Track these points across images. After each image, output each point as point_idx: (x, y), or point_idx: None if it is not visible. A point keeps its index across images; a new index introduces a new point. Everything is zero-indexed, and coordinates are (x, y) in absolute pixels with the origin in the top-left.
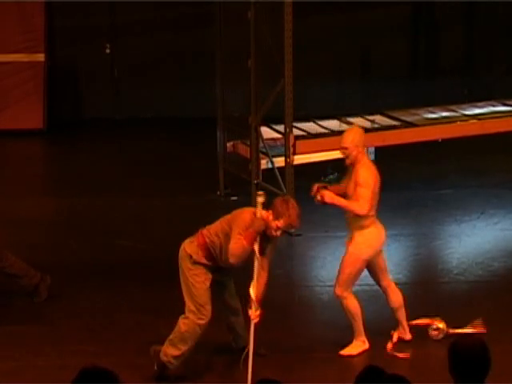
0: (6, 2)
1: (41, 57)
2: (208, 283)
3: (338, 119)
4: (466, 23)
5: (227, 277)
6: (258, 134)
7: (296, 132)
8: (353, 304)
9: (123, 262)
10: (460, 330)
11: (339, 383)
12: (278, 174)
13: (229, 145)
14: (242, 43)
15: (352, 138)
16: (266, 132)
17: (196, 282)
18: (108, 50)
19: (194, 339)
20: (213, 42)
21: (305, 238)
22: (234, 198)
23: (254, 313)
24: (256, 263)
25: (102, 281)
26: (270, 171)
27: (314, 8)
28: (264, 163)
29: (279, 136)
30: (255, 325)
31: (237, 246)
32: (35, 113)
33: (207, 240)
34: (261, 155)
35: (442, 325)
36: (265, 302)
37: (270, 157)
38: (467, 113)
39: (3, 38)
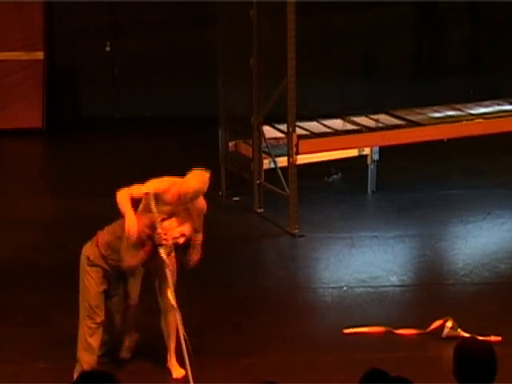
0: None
1: (40, 55)
2: (102, 287)
3: (342, 118)
4: (471, 21)
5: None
6: (261, 134)
7: (299, 131)
8: None
9: None
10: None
11: None
12: (280, 174)
13: (231, 144)
14: (245, 42)
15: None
16: (269, 131)
17: (91, 285)
18: (108, 48)
19: (89, 342)
20: (214, 41)
21: (308, 239)
22: (236, 198)
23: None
24: (166, 269)
25: None
26: (272, 171)
27: (317, 7)
28: (266, 163)
29: (282, 135)
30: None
31: (133, 259)
32: (34, 112)
33: (100, 240)
34: (263, 155)
35: (454, 324)
36: (267, 305)
37: (273, 156)
38: (473, 112)
39: (1, 35)
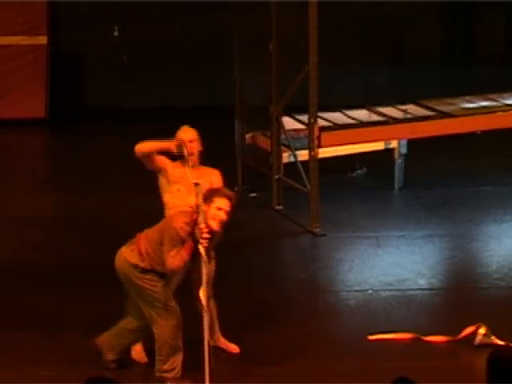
0: None
1: (43, 39)
2: (164, 284)
3: (368, 109)
4: (506, 9)
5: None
6: (280, 125)
7: (321, 123)
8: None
9: None
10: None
11: None
12: (301, 168)
13: (247, 136)
14: (263, 26)
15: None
16: (289, 123)
17: (153, 286)
18: (116, 33)
19: (177, 343)
20: (229, 26)
21: (330, 238)
22: (253, 194)
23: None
24: (203, 265)
25: (106, 285)
26: (292, 165)
27: None
28: (286, 156)
29: (303, 127)
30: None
31: (176, 260)
32: (36, 101)
33: (143, 250)
34: (282, 148)
35: (487, 331)
36: (286, 309)
37: (293, 150)
38: (508, 102)
39: (2, 18)
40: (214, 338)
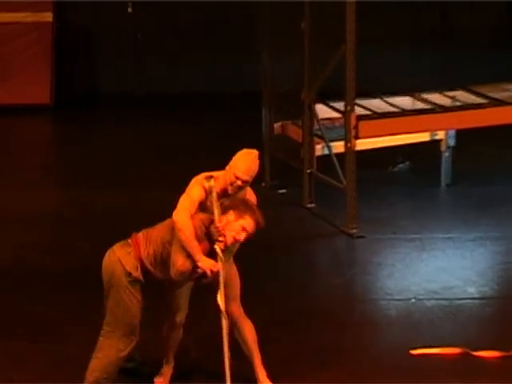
0: None
1: (48, 16)
2: (143, 302)
3: (411, 96)
4: None
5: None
6: (313, 113)
7: (359, 111)
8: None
9: None
10: None
11: None
12: (336, 161)
13: (276, 126)
14: (294, 2)
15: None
16: (322, 110)
17: (132, 303)
18: (130, 10)
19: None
20: (257, 2)
21: (368, 240)
22: (283, 190)
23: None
24: (221, 268)
25: None
26: (326, 158)
27: None
28: (319, 148)
29: (338, 115)
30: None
31: (187, 262)
32: (41, 85)
33: (142, 252)
34: (315, 139)
35: None
36: (317, 318)
37: (327, 141)
38: None
39: None
40: (256, 376)
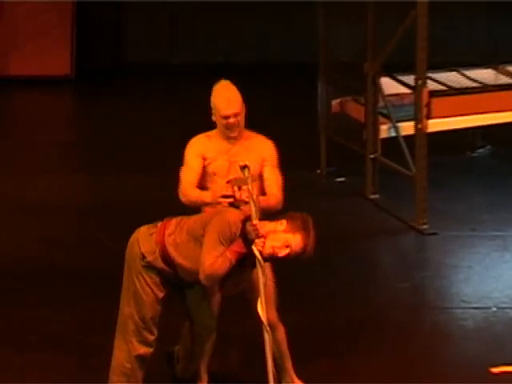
0: None
1: None
2: (160, 294)
3: (494, 68)
4: None
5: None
6: (377, 88)
7: (431, 86)
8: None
9: None
10: None
11: None
12: (404, 145)
13: (334, 103)
14: None
15: (240, 96)
16: (389, 85)
17: (145, 292)
18: None
19: (136, 374)
20: None
21: (441, 238)
22: (341, 179)
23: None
24: (260, 272)
25: None
26: (392, 141)
27: None
28: (385, 130)
29: (407, 91)
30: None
31: (218, 262)
32: (60, 54)
33: (167, 237)
34: (380, 118)
35: None
36: (381, 329)
37: (394, 121)
38: None
39: None
40: (286, 379)
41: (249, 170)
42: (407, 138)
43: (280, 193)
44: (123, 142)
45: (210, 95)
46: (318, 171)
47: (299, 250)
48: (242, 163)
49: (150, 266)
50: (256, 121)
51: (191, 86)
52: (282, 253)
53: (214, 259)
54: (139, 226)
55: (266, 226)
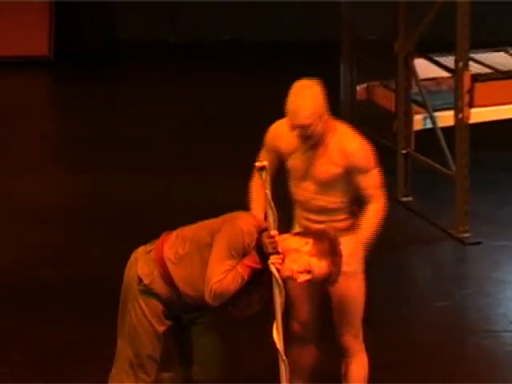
0: None
1: None
2: (160, 328)
3: None
4: None
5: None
6: (410, 72)
7: (474, 68)
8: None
9: None
10: None
11: None
12: (442, 138)
13: (360, 88)
14: None
15: (312, 106)
16: (424, 68)
17: (141, 324)
18: None
19: None
20: None
21: (486, 248)
22: None
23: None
24: (276, 292)
25: None
26: (427, 134)
27: None
28: (419, 120)
29: (445, 75)
30: None
31: (228, 279)
32: (38, 32)
33: (166, 251)
34: (413, 107)
35: None
36: (415, 354)
37: (430, 110)
38: None
39: None
40: None
41: (267, 171)
42: (445, 130)
43: (379, 198)
44: (112, 134)
45: (224, 82)
46: None
47: (322, 277)
48: (259, 164)
49: (148, 292)
50: (264, 110)
51: (192, 68)
52: (302, 279)
53: (222, 275)
54: (130, 232)
55: (288, 242)
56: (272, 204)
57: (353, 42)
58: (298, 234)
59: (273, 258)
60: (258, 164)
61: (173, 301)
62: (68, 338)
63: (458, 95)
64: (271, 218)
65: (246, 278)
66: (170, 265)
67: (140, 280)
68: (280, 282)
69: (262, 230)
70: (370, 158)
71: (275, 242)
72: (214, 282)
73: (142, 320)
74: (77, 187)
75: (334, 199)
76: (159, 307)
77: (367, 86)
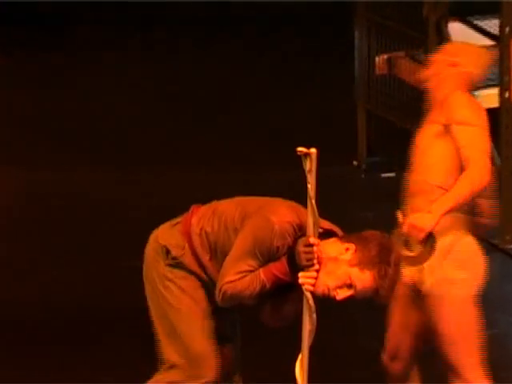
0: None
1: None
2: (203, 304)
3: None
4: None
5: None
6: (444, 40)
7: None
8: None
9: None
10: None
11: None
12: None
13: (379, 60)
14: None
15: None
16: (461, 34)
17: (181, 302)
18: None
19: None
20: None
21: None
22: (389, 174)
23: None
24: (307, 318)
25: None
26: None
27: None
28: None
29: (488, 43)
30: None
31: (243, 282)
32: None
33: (194, 224)
34: None
35: None
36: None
37: None
38: None
39: None
40: None
41: (311, 160)
42: (489, 112)
43: (478, 164)
44: (78, 113)
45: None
46: (355, 163)
47: (366, 293)
48: (301, 149)
49: (178, 266)
50: (268, 88)
51: (177, 33)
52: (342, 295)
53: (237, 276)
54: (100, 242)
55: (325, 248)
56: (313, 202)
57: (367, 4)
58: (340, 238)
59: (303, 276)
60: (300, 149)
61: (207, 286)
62: None
63: (504, 69)
64: (311, 220)
65: (268, 286)
66: (195, 240)
67: (167, 251)
68: (312, 304)
69: (300, 234)
70: None
71: (312, 253)
72: (226, 282)
73: (182, 298)
74: (29, 184)
75: None
76: (196, 282)
77: (389, 58)
